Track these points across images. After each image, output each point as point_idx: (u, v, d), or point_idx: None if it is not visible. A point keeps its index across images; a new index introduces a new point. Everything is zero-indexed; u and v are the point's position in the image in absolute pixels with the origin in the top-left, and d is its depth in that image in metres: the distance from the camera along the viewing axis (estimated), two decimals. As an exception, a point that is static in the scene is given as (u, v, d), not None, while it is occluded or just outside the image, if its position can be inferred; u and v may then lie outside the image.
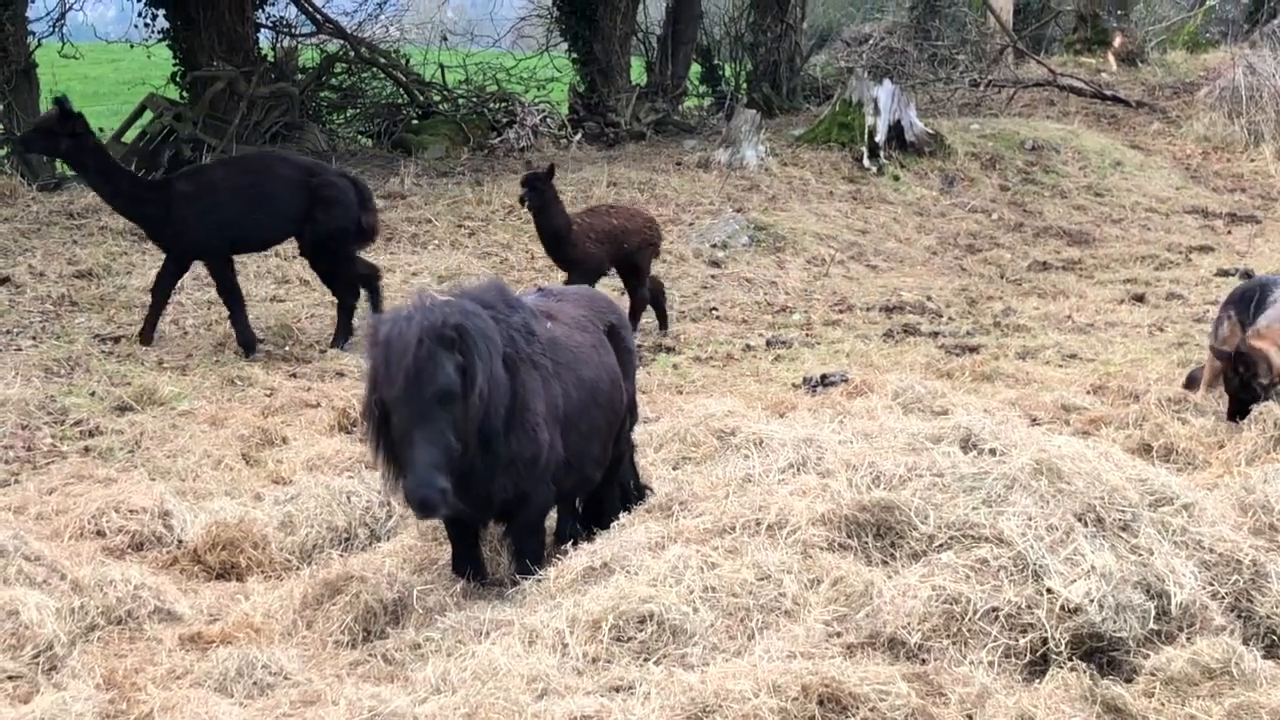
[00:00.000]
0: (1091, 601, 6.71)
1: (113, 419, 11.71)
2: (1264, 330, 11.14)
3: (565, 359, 8.12)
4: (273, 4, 26.35)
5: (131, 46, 26.59)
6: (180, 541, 8.74)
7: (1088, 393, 12.34)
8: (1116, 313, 16.52)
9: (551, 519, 8.70)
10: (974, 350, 14.54)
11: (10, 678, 6.75)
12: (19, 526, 8.54)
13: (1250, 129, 26.08)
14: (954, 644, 6.62)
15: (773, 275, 18.35)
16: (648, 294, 15.50)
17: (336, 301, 14.62)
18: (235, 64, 23.49)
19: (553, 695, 6.19)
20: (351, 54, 26.13)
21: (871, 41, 29.59)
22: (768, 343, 15.23)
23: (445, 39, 30.10)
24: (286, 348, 14.23)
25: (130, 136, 23.73)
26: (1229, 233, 21.56)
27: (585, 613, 6.85)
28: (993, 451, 7.80)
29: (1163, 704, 6.04)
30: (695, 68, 30.47)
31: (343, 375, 13.29)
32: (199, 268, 14.66)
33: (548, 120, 25.98)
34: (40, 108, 21.42)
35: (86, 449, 10.94)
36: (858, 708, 6.13)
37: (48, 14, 25.23)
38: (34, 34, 23.45)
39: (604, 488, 8.84)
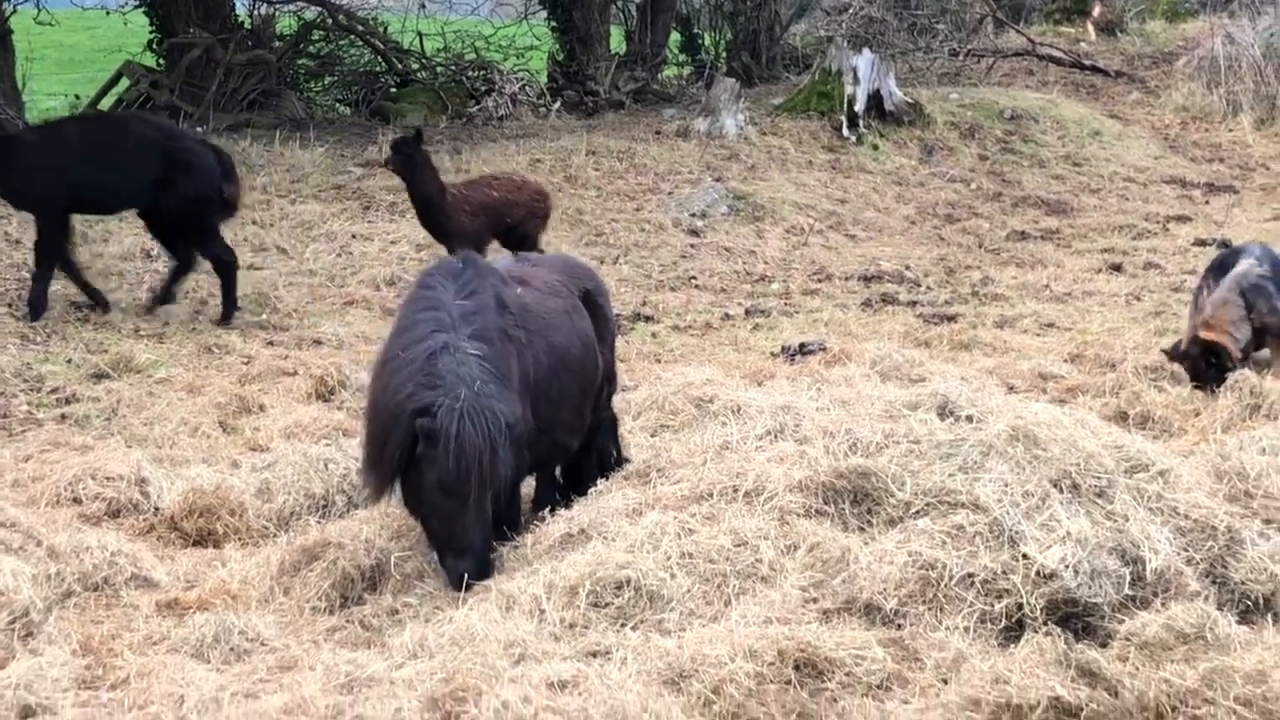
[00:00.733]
0: (1067, 567, 6.74)
1: (89, 386, 11.68)
2: (1211, 320, 11.25)
3: (536, 326, 8.13)
4: (250, -30, 26.19)
5: (108, 13, 26.36)
6: (157, 508, 8.72)
7: (1065, 361, 12.37)
8: (1094, 282, 16.55)
9: (530, 487, 8.70)
10: (952, 319, 14.55)
11: (-14, 644, 6.74)
12: (-5, 493, 8.53)
13: (1229, 99, 26.09)
14: (930, 609, 6.65)
15: (752, 244, 18.33)
16: None
17: (220, 279, 14.01)
18: (212, 31, 23.31)
19: (530, 660, 6.21)
20: (329, 21, 25.95)
21: (851, 10, 29.46)
22: (746, 311, 15.23)
23: (424, 6, 29.90)
24: (264, 316, 14.17)
25: (107, 104, 23.60)
26: (1207, 203, 21.58)
27: (562, 579, 6.87)
28: (969, 418, 7.83)
29: (1137, 668, 6.06)
30: (675, 36, 30.35)
31: (320, 343, 13.26)
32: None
33: (526, 89, 25.87)
34: (15, 75, 21.28)
35: (63, 416, 10.91)
36: (834, 672, 6.16)
37: (23, -20, 25.04)
38: (9, 0, 23.27)
39: (582, 455, 8.84)
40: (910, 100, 23.69)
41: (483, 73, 26.16)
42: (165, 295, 14.05)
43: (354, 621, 7.16)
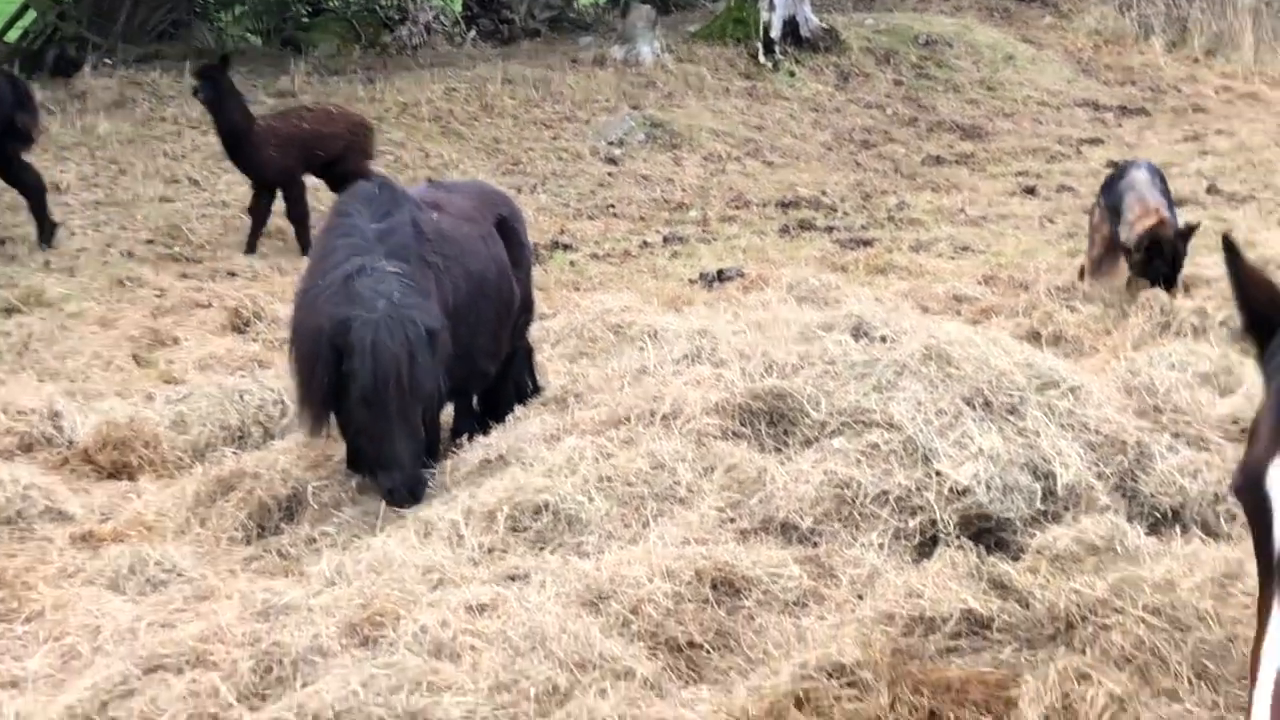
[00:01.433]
0: (979, 483, 6.83)
1: (-1, 321, 11.54)
2: (1154, 207, 11.31)
3: (453, 252, 8.09)
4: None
5: (13, -57, 25.85)
6: (70, 442, 8.62)
7: (979, 283, 12.46)
8: (1008, 205, 16.66)
9: (448, 416, 8.69)
10: (868, 244, 14.61)
11: (-102, 580, 6.67)
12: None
13: (1140, 22, 26.26)
14: (845, 527, 6.71)
15: (669, 172, 18.32)
16: None
17: (29, 203, 13.82)
18: (119, -39, 22.93)
19: (448, 585, 6.22)
20: (239, -50, 25.62)
21: (766, -64, 29.35)
22: (665, 239, 15.22)
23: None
24: (176, 248, 14.02)
25: (13, 36, 23.16)
26: (1119, 125, 21.76)
27: (480, 504, 6.88)
28: (883, 339, 7.88)
29: (1048, 580, 6.15)
30: (589, -37, 30.18)
31: (234, 275, 13.14)
32: (85, 167, 14.33)
33: (440, 17, 25.64)
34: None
35: (-28, 352, 10.77)
36: (751, 590, 6.21)
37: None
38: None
39: (499, 383, 8.83)
40: (826, 26, 23.67)
41: (396, 1, 25.88)
42: (42, 225, 13.86)
43: (271, 551, 7.14)
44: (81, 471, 8.35)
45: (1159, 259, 11.09)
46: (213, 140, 17.14)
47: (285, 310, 9.54)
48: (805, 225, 15.71)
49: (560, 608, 5.95)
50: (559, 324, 10.69)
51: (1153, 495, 7.26)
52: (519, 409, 8.36)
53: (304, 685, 5.34)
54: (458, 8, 26.46)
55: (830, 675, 5.38)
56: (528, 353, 9.20)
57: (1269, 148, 19.13)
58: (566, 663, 5.58)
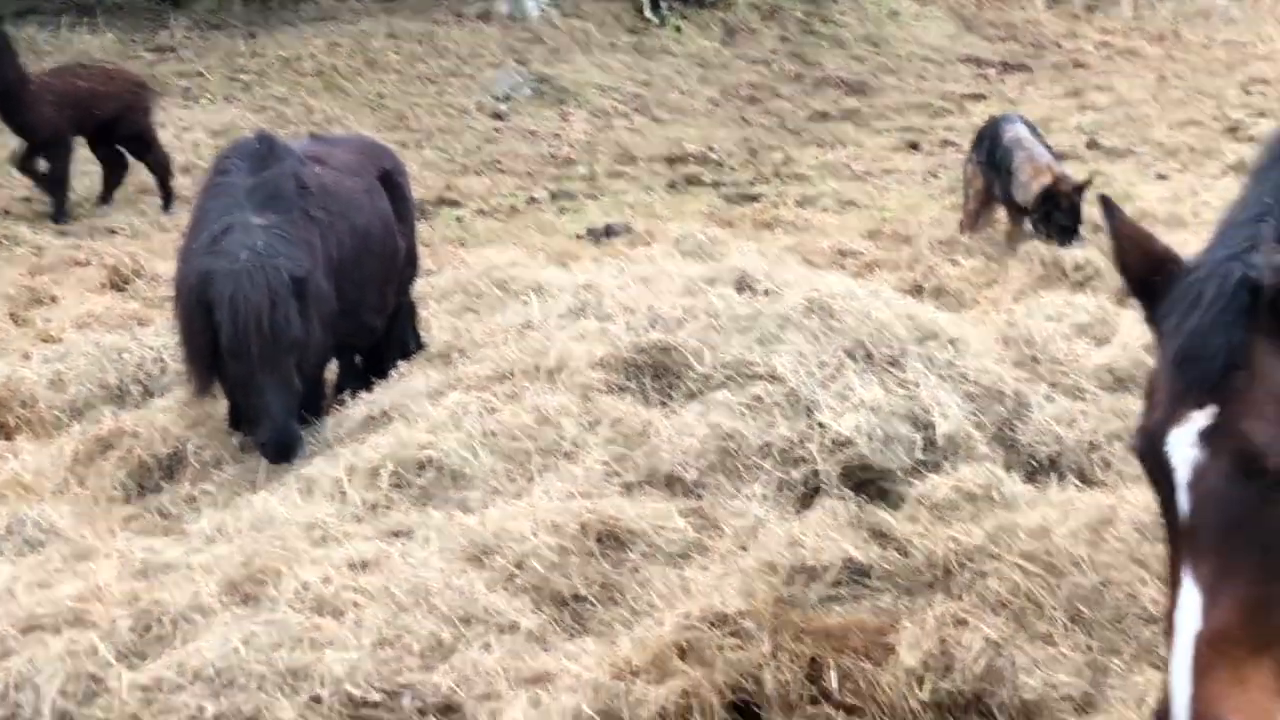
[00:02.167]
0: (861, 434, 6.88)
1: None
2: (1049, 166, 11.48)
3: (337, 207, 8.02)
4: None
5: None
6: (-56, 402, 8.47)
7: (863, 238, 12.58)
8: (892, 160, 16.81)
9: (332, 373, 8.62)
10: (755, 199, 14.70)
11: None
12: None
13: (1023, -22, 26.53)
14: (729, 479, 6.75)
15: (556, 128, 18.28)
16: (166, 156, 14.37)
17: None
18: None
19: (331, 542, 6.18)
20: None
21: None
22: (552, 195, 15.21)
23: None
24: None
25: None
26: (1002, 81, 22.00)
27: (364, 460, 6.85)
28: (766, 292, 7.92)
29: (927, 528, 6.22)
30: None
31: (114, 233, 12.96)
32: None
33: (323, -28, 25.27)
34: None
35: None
36: (636, 543, 6.23)
37: None
38: None
39: (384, 339, 8.77)
40: (711, -19, 23.69)
41: (278, -46, 25.47)
42: None
43: (151, 510, 7.07)
44: (-44, 432, 8.21)
45: (1059, 214, 11.24)
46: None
47: (165, 268, 9.41)
48: (692, 181, 15.77)
49: (444, 563, 5.93)
50: (444, 280, 10.63)
51: (1030, 444, 7.37)
52: (403, 365, 8.32)
53: (184, 643, 5.29)
54: (341, -38, 26.09)
55: (713, 625, 5.41)
56: (411, 309, 9.14)
57: (1147, 103, 19.43)
58: (450, 617, 5.57)
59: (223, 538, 6.27)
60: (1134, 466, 7.00)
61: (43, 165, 13.68)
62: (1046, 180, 11.30)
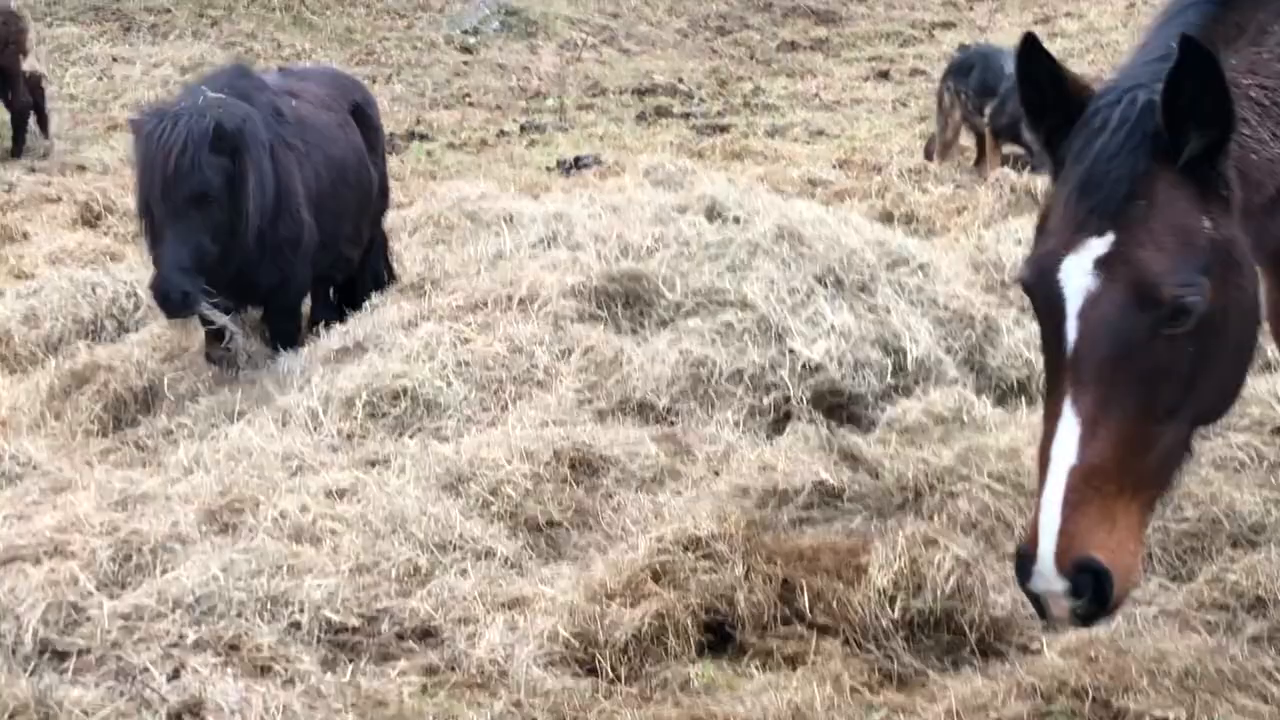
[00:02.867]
0: (831, 360, 6.96)
1: None
2: None
3: (314, 139, 8.01)
4: None
5: None
6: (-83, 339, 8.46)
7: (833, 167, 12.62)
8: (862, 89, 16.83)
9: (305, 306, 8.64)
10: (724, 130, 14.70)
11: None
12: None
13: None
14: (701, 405, 6.82)
15: (525, 61, 18.23)
16: (28, 99, 13.73)
17: None
18: None
19: (307, 471, 6.23)
20: None
21: None
22: (522, 128, 15.19)
23: None
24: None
25: None
26: (970, 9, 21.99)
27: (339, 390, 6.88)
28: (736, 220, 7.96)
29: (897, 451, 6.30)
30: None
31: (84, 169, 12.93)
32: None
33: (289, -96, 25.06)
34: None
35: None
36: (609, 469, 6.29)
37: None
38: None
39: (358, 271, 8.79)
40: (680, -89, 23.53)
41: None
42: None
43: (128, 443, 7.08)
44: (-71, 369, 8.21)
45: None
46: (58, 33, 16.77)
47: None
48: (662, 112, 15.76)
49: (420, 491, 5.98)
50: (415, 212, 10.61)
51: (1000, 368, 7.45)
52: (376, 296, 8.33)
53: (164, 572, 5.34)
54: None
55: (686, 548, 5.47)
56: (383, 241, 9.14)
57: (1117, 29, 19.44)
58: (427, 544, 5.63)
59: (200, 468, 6.30)
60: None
61: None
62: None
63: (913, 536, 5.43)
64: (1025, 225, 9.19)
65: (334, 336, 7.66)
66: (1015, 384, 7.38)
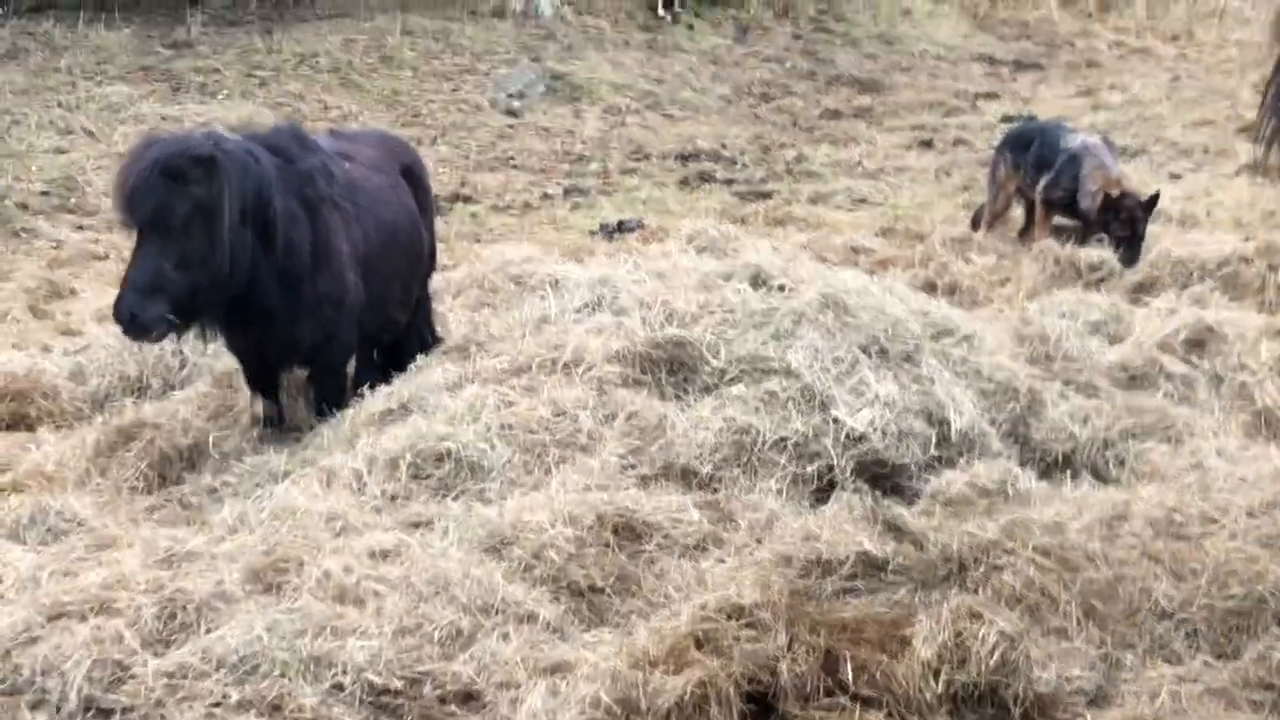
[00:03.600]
0: (875, 429, 6.96)
1: (-109, 274, 11.36)
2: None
3: (364, 201, 8.05)
4: None
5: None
6: (-33, 394, 8.54)
7: (876, 235, 12.64)
8: (905, 158, 16.86)
9: (350, 368, 8.68)
10: (767, 196, 14.75)
11: None
12: None
13: (1036, -23, 26.53)
14: (744, 472, 6.82)
15: (570, 125, 18.32)
16: None
17: None
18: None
19: (351, 532, 6.24)
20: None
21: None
22: (565, 191, 15.26)
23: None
24: (72, 200, 13.86)
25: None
26: (1014, 80, 22.02)
27: (383, 452, 6.90)
28: (781, 288, 7.97)
29: (941, 523, 6.29)
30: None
31: (132, 227, 13.00)
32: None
33: (338, -32, 25.33)
34: None
35: None
36: (651, 535, 6.29)
37: None
38: None
39: (403, 333, 8.82)
40: (724, -21, 23.74)
41: (293, -49, 25.51)
42: None
43: (173, 500, 7.12)
44: (-21, 423, 8.27)
45: (1116, 224, 11.27)
46: (107, 91, 16.96)
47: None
48: (705, 177, 15.82)
49: (463, 553, 6.00)
50: (460, 275, 10.69)
51: (1044, 441, 7.45)
52: (420, 358, 8.36)
53: (208, 631, 5.36)
54: (355, -42, 26.13)
55: (729, 616, 5.47)
56: (428, 303, 9.18)
57: (1160, 102, 19.45)
58: (470, 607, 5.64)
59: (244, 527, 6.33)
60: (1147, 464, 7.09)
61: None
62: (1115, 192, 11.36)
63: (957, 609, 5.42)
64: (1069, 298, 9.21)
65: (379, 398, 7.68)
66: (1059, 457, 7.38)
